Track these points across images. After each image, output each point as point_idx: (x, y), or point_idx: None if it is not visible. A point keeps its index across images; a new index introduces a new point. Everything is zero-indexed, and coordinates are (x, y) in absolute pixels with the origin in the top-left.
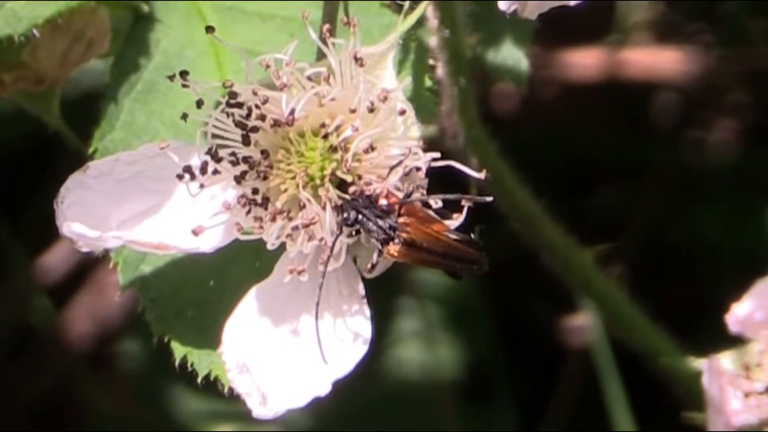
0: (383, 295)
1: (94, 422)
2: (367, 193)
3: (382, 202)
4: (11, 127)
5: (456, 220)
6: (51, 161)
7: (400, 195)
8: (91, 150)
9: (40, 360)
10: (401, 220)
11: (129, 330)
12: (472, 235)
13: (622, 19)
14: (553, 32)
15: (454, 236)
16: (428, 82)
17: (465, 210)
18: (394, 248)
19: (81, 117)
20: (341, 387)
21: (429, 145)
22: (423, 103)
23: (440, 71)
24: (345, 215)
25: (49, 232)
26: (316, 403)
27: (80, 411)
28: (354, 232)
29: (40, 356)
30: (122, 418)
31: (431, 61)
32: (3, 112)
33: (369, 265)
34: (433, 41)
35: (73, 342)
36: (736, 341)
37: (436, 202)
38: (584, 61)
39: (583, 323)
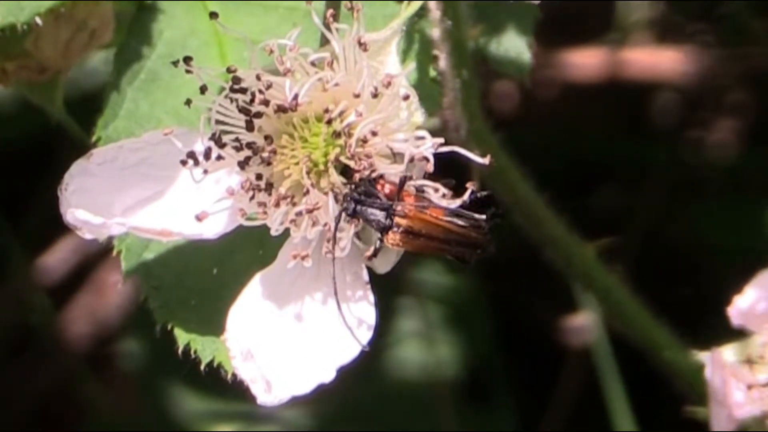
0: (383, 295)
1: (94, 422)
2: (370, 177)
3: (381, 189)
4: (11, 127)
5: (456, 202)
6: (51, 161)
7: (397, 182)
8: (94, 138)
9: (40, 360)
10: (398, 207)
11: (129, 330)
12: (477, 217)
13: (622, 18)
14: (553, 32)
15: (455, 219)
16: (432, 72)
17: (468, 193)
18: (393, 237)
19: (83, 112)
20: (341, 386)
21: (431, 137)
22: (427, 92)
23: (443, 63)
24: (344, 206)
25: (49, 232)
26: (317, 403)
27: (80, 411)
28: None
29: (40, 356)
30: (122, 418)
31: (435, 52)
32: (3, 111)
33: (369, 253)
34: (435, 33)
35: (72, 342)
36: (737, 340)
37: (435, 190)
38: (584, 61)
39: (583, 323)
